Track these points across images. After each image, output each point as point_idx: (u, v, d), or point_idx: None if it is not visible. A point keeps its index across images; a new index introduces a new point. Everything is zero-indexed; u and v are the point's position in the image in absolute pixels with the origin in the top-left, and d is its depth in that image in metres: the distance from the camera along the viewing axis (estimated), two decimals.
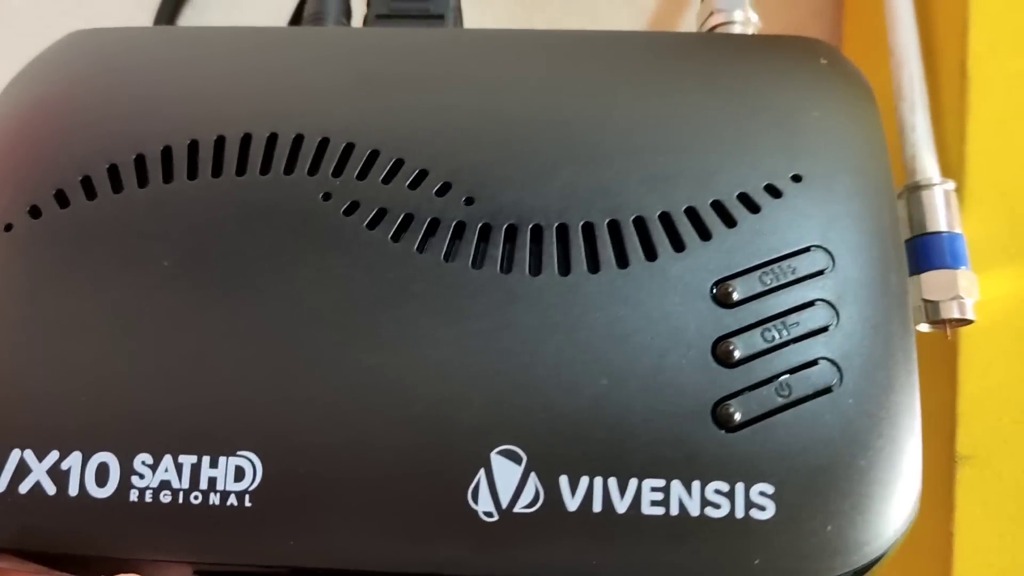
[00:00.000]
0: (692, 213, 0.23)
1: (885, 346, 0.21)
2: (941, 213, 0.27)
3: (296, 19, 0.33)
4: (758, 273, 0.22)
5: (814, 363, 0.21)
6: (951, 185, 0.27)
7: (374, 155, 0.24)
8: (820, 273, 0.22)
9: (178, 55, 0.27)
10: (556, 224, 0.23)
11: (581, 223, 0.23)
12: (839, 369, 0.21)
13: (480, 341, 0.21)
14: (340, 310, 0.22)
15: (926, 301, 0.26)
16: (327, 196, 0.23)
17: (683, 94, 0.25)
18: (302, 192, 0.23)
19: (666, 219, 0.23)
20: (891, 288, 0.22)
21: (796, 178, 0.23)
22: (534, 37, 0.27)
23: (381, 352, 0.21)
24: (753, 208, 0.23)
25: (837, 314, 0.22)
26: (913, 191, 0.27)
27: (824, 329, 0.22)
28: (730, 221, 0.23)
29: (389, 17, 0.29)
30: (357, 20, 0.31)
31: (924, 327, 0.27)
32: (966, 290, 0.26)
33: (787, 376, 0.21)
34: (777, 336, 0.21)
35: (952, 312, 0.26)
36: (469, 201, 0.23)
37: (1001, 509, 0.26)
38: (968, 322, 0.26)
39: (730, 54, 0.26)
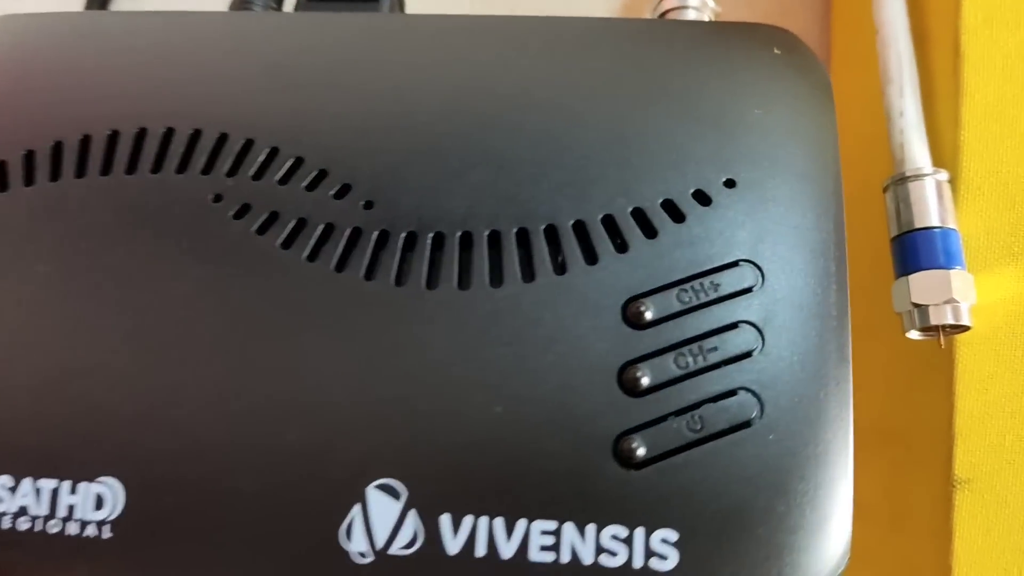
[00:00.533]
0: (609, 222, 0.21)
1: (816, 376, 0.20)
2: (933, 207, 0.25)
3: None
4: (675, 290, 0.20)
5: (732, 393, 0.20)
6: (944, 175, 0.25)
7: (273, 153, 0.23)
8: (746, 291, 0.21)
9: (91, 44, 0.26)
10: (459, 233, 0.21)
11: (487, 232, 0.21)
12: (760, 401, 0.20)
13: (364, 362, 0.20)
14: (218, 324, 0.21)
15: (916, 305, 0.24)
16: (218, 198, 0.22)
17: (612, 89, 0.23)
18: (192, 193, 0.22)
19: (580, 228, 0.21)
20: (828, 310, 0.21)
21: (729, 183, 0.22)
22: (463, 24, 0.25)
23: (257, 372, 0.20)
24: (677, 217, 0.21)
25: (763, 338, 0.20)
26: (901, 183, 0.26)
27: (746, 355, 0.20)
28: (650, 231, 0.21)
29: (320, 0, 0.28)
30: (290, 4, 0.30)
31: (914, 334, 0.25)
32: (961, 293, 0.24)
33: (701, 408, 0.20)
34: (692, 362, 0.20)
35: (946, 318, 0.24)
36: (368, 205, 0.22)
37: (1005, 539, 0.24)
38: (964, 328, 0.24)
39: (672, 44, 0.24)
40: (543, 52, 0.24)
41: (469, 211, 0.21)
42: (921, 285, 0.24)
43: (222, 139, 0.23)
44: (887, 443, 0.28)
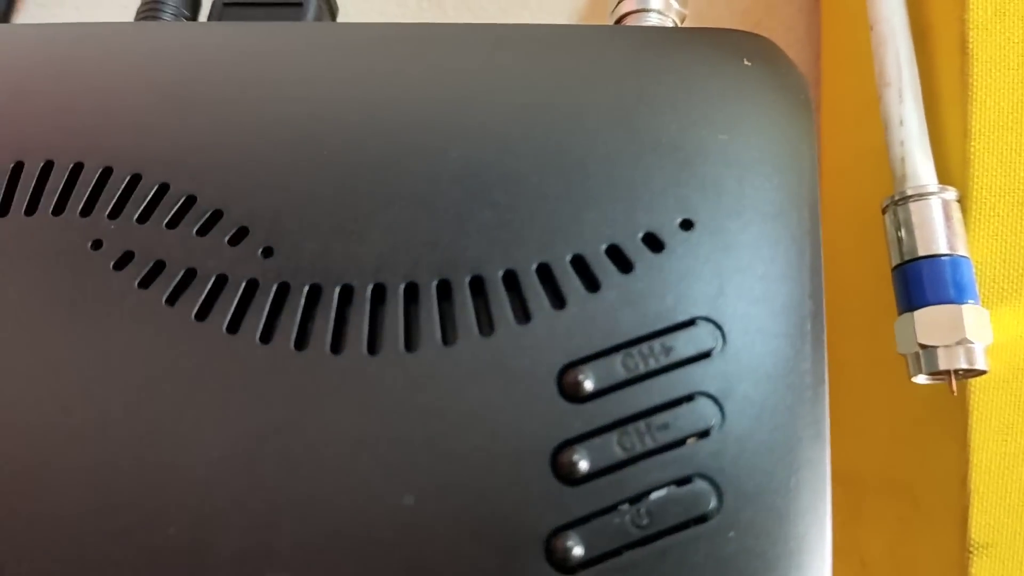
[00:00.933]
0: (545, 272, 0.19)
1: (786, 459, 0.17)
2: (940, 231, 0.22)
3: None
4: (620, 355, 0.18)
5: (686, 481, 0.17)
6: (952, 193, 0.23)
7: (162, 190, 0.20)
8: (704, 356, 0.18)
9: None
10: (371, 285, 0.19)
11: (402, 284, 0.19)
12: (719, 490, 0.17)
13: (253, 442, 0.18)
14: (87, 394, 0.18)
15: (923, 347, 0.22)
16: (97, 244, 0.20)
17: (552, 113, 0.21)
18: (70, 238, 0.20)
19: (511, 280, 0.19)
20: (800, 378, 0.18)
21: (686, 224, 0.19)
22: (392, 34, 0.23)
23: (128, 451, 0.18)
24: (624, 266, 0.19)
25: (722, 413, 0.18)
26: (903, 203, 0.23)
27: (704, 434, 0.17)
28: (592, 283, 0.19)
29: (237, 5, 0.25)
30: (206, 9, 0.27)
31: (922, 379, 0.23)
32: (975, 332, 0.21)
33: (648, 499, 0.17)
34: (638, 443, 0.17)
35: (958, 361, 0.22)
36: (267, 252, 0.19)
37: None
38: (979, 373, 0.22)
39: (624, 57, 0.21)
40: (476, 66, 0.21)
41: (382, 259, 0.19)
42: (928, 323, 0.22)
43: (106, 173, 0.20)
44: (893, 496, 0.26)
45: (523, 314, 0.18)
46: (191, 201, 0.20)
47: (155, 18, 0.26)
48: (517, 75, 0.21)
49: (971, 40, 0.23)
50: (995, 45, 0.23)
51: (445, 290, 0.19)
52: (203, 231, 0.20)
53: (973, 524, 0.22)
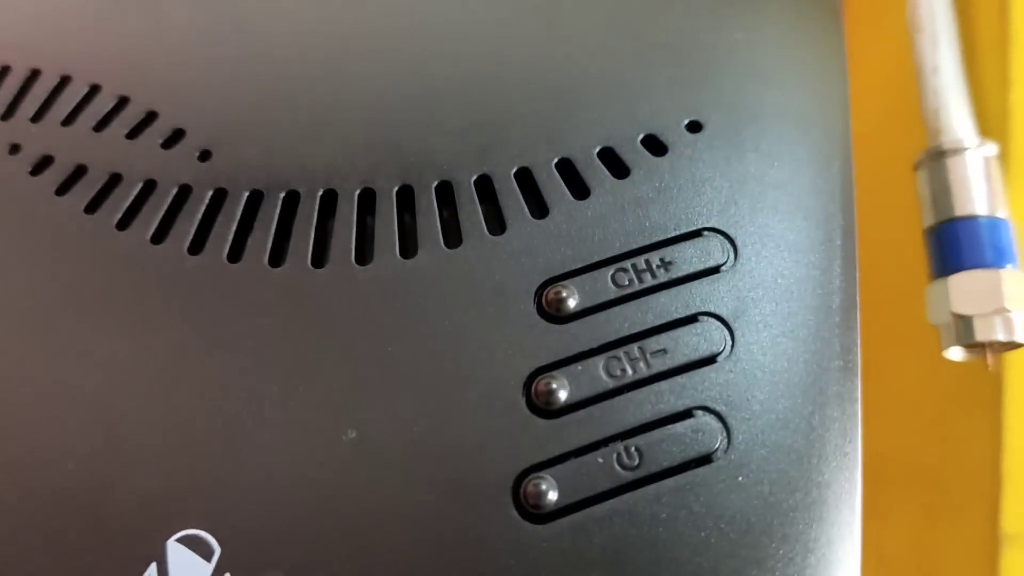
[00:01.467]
0: (525, 177, 0.17)
1: (807, 392, 0.15)
2: (978, 189, 0.21)
3: None
4: (611, 270, 0.16)
5: (686, 415, 0.15)
6: (992, 149, 0.21)
7: (93, 92, 0.19)
8: (712, 271, 0.16)
9: None
10: (320, 191, 0.17)
11: (358, 190, 0.17)
12: (726, 427, 0.15)
13: (171, 368, 0.16)
14: None
15: (957, 316, 0.20)
16: (15, 148, 0.19)
17: (536, 5, 0.19)
18: None
19: (484, 185, 0.17)
20: (826, 300, 0.16)
21: (693, 127, 0.17)
22: None
23: (28, 376, 0.16)
24: (619, 170, 0.17)
25: (732, 337, 0.16)
26: (938, 159, 0.22)
27: (709, 361, 0.15)
28: (581, 189, 0.17)
29: None
30: None
31: (955, 353, 0.21)
32: (1015, 299, 0.20)
33: (639, 435, 0.15)
34: (629, 370, 0.15)
35: (995, 332, 0.20)
36: (204, 156, 0.18)
37: None
38: (1018, 345, 0.20)
39: None
40: None
41: (335, 163, 0.17)
42: (964, 290, 0.20)
43: (33, 76, 0.19)
44: (917, 485, 0.26)
45: (498, 224, 0.16)
46: (123, 103, 0.19)
47: None
48: None
49: None
50: None
51: (406, 197, 0.17)
52: (133, 134, 0.18)
53: (1005, 513, 0.22)
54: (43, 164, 0.18)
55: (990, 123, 0.22)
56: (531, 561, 0.14)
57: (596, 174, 0.17)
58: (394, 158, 0.17)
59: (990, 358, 0.21)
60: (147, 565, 0.15)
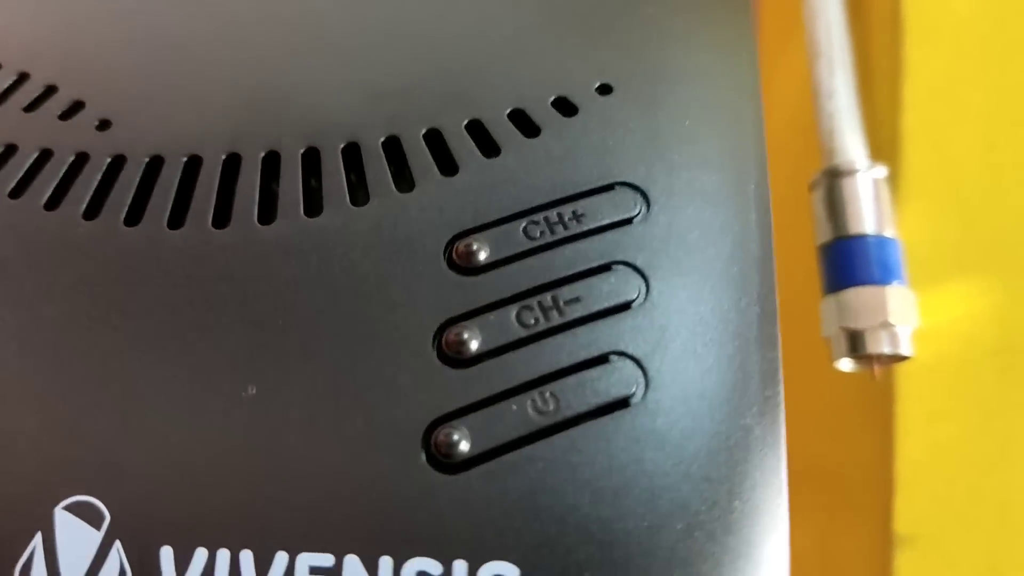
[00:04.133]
0: (434, 136, 0.17)
1: (726, 338, 0.15)
2: (868, 209, 0.22)
3: None
4: (522, 222, 0.16)
5: (602, 360, 0.15)
6: (882, 171, 0.22)
7: None
8: (625, 223, 0.16)
9: None
10: (223, 156, 0.17)
11: (262, 153, 0.17)
12: (643, 369, 0.15)
13: (60, 332, 0.15)
14: None
15: (846, 329, 0.21)
16: None
17: None
18: None
19: (392, 145, 0.17)
20: (743, 248, 0.16)
21: (604, 89, 0.17)
22: None
23: None
24: (530, 130, 0.17)
25: (647, 284, 0.15)
26: (831, 179, 0.22)
27: (623, 307, 0.15)
28: (491, 148, 0.17)
29: None
30: None
31: (845, 364, 0.22)
32: (900, 314, 0.21)
33: (555, 381, 0.15)
34: (542, 319, 0.15)
35: (881, 345, 0.21)
36: (103, 125, 0.18)
37: None
38: (903, 358, 0.21)
39: None
40: None
41: (237, 128, 0.17)
42: (852, 305, 0.21)
43: None
44: (821, 488, 0.25)
45: (406, 183, 0.16)
46: (23, 78, 0.19)
47: None
48: None
49: (905, 10, 0.22)
50: (930, 15, 0.22)
51: (312, 159, 0.17)
52: (31, 107, 0.18)
53: (897, 516, 0.22)
54: None
55: (882, 146, 0.23)
56: (443, 511, 0.14)
57: (506, 133, 0.17)
58: (300, 122, 0.17)
59: (877, 370, 0.21)
60: (33, 533, 0.14)
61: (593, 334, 0.15)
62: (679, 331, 0.15)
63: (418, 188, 0.16)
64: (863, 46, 0.24)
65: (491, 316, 0.15)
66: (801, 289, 0.24)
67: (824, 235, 0.22)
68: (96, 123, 0.17)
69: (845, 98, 0.23)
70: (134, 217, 0.16)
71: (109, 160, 0.17)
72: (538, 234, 0.16)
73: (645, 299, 0.15)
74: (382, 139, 0.17)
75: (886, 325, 0.21)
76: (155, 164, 0.17)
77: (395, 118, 0.17)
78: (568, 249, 0.16)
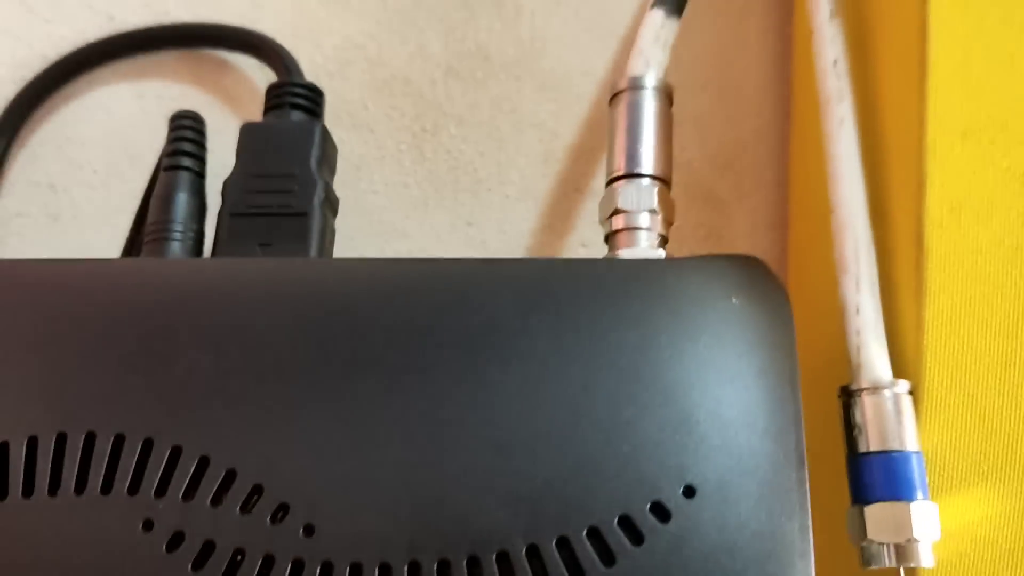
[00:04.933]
0: (564, 545, 0.20)
1: None
2: (892, 426, 0.22)
3: (139, 220, 0.30)
4: None
5: None
6: (904, 387, 0.23)
7: (203, 464, 0.20)
8: None
9: None
10: (407, 564, 0.19)
11: (435, 563, 0.19)
12: None
13: None
14: None
15: (872, 542, 0.22)
16: (149, 524, 0.19)
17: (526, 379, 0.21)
18: (120, 518, 0.20)
19: (533, 553, 0.19)
20: None
21: (688, 491, 0.20)
22: (396, 278, 0.23)
23: None
24: (636, 537, 0.19)
25: None
26: (857, 395, 0.23)
27: None
28: (608, 557, 0.19)
29: (245, 216, 0.26)
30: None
31: (873, 567, 0.23)
32: (923, 530, 0.22)
33: None
34: None
35: (904, 559, 0.22)
36: (309, 531, 0.19)
37: None
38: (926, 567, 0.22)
39: (606, 302, 0.22)
40: (479, 317, 0.21)
41: (414, 536, 0.19)
42: (877, 520, 0.22)
43: (147, 446, 0.20)
44: None
45: None
46: (231, 476, 0.20)
47: (164, 240, 0.27)
48: (513, 333, 0.21)
49: (927, 236, 0.23)
50: (951, 241, 0.23)
51: (475, 567, 0.19)
52: (245, 507, 0.19)
53: None
54: (176, 540, 0.19)
55: (906, 361, 0.23)
56: None
57: (618, 542, 0.19)
58: (461, 531, 0.19)
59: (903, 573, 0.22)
60: None
61: None
62: None
63: None
64: (888, 264, 0.24)
65: None
66: (834, 489, 0.25)
67: (851, 448, 0.23)
68: (302, 528, 0.19)
69: (871, 315, 0.23)
70: None
71: (320, 566, 0.19)
72: None
73: None
74: (523, 549, 0.19)
75: (911, 541, 0.21)
76: (356, 570, 0.19)
77: (533, 527, 0.19)
78: None
